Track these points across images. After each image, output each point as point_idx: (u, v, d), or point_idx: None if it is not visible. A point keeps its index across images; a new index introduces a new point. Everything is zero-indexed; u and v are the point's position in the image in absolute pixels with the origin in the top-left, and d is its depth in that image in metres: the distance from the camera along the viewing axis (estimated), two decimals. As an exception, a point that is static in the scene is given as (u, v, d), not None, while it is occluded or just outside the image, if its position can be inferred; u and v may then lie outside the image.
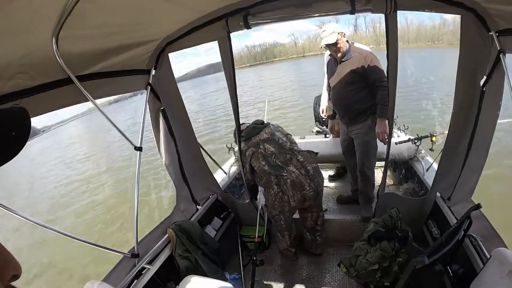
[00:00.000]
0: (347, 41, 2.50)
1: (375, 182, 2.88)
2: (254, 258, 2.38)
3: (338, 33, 2.38)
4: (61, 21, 0.99)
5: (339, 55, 2.50)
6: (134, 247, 1.83)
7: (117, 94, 1.77)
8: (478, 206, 1.56)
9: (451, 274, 1.76)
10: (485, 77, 1.63)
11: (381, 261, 1.94)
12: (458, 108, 1.85)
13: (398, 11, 1.64)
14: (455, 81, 1.78)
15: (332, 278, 2.46)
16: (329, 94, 2.96)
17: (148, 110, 2.01)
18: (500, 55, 1.47)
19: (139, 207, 1.88)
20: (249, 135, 2.44)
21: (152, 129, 2.12)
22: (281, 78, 31.67)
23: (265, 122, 2.59)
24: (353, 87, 2.51)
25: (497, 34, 1.48)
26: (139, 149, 1.87)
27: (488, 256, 1.50)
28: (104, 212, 6.76)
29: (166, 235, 2.09)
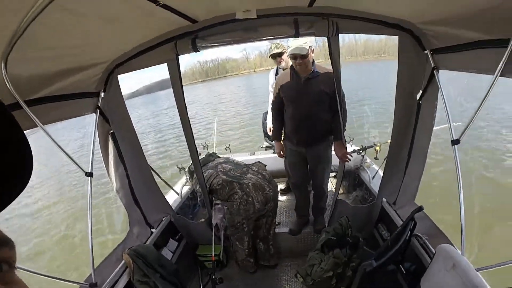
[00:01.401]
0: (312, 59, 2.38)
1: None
2: (213, 276, 2.38)
3: (310, 46, 2.21)
4: (11, 43, 0.97)
5: (304, 71, 2.32)
6: (90, 275, 1.74)
7: (67, 118, 1.70)
8: (420, 208, 1.69)
9: (404, 272, 1.87)
10: (421, 92, 1.82)
11: (335, 267, 2.04)
12: (398, 120, 2.03)
13: (340, 34, 1.81)
14: (394, 96, 1.96)
15: None
16: (277, 112, 2.69)
17: (97, 134, 1.95)
18: (434, 71, 1.66)
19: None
20: (206, 162, 2.68)
21: (100, 152, 2.06)
22: (233, 95, 31.97)
23: (215, 142, 2.72)
24: (318, 108, 2.39)
25: (431, 52, 1.67)
26: (89, 175, 1.81)
27: (434, 252, 1.61)
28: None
29: (123, 261, 2.01)
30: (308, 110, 2.41)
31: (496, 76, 1.16)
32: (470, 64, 1.39)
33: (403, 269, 1.87)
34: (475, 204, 4.45)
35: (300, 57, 2.21)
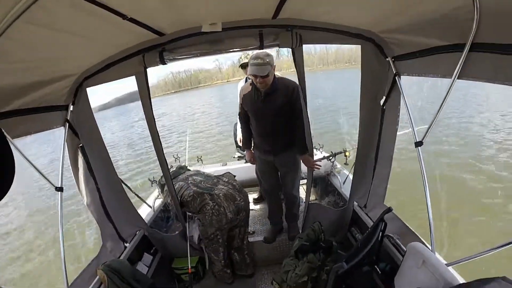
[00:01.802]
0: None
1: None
2: None
3: (271, 65, 2.15)
4: None
5: (264, 87, 2.27)
6: None
7: (36, 132, 1.65)
8: (389, 210, 1.74)
9: (379, 272, 1.92)
10: (384, 97, 1.91)
11: (310, 272, 2.07)
12: (364, 126, 2.12)
13: (304, 45, 1.88)
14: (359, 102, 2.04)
15: None
16: (244, 124, 2.73)
17: (66, 147, 1.91)
18: (396, 77, 1.75)
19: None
20: (176, 174, 2.70)
21: (70, 167, 2.01)
22: (206, 106, 31.82)
23: (187, 154, 2.72)
24: (282, 119, 2.39)
25: (393, 59, 1.76)
26: (60, 189, 1.76)
27: (405, 250, 1.65)
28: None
29: (97, 277, 1.95)
30: (271, 124, 2.42)
31: (454, 79, 1.23)
32: (429, 69, 1.46)
33: (378, 270, 1.93)
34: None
35: (260, 77, 2.16)
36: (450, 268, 1.38)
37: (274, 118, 2.38)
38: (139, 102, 2.03)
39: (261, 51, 2.15)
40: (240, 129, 2.87)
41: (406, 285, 1.53)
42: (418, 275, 1.47)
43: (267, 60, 2.11)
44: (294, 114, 2.35)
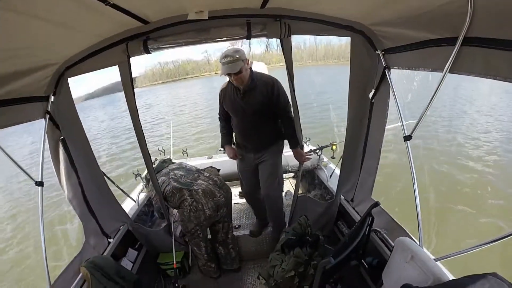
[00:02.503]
0: (250, 68, 2.27)
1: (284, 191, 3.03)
2: (176, 285, 2.32)
3: (242, 60, 2.09)
4: None
5: (241, 83, 2.21)
6: None
7: (14, 124, 1.58)
8: (376, 204, 1.74)
9: (366, 266, 1.93)
10: (373, 90, 1.89)
11: (297, 267, 2.06)
12: (352, 119, 2.10)
13: (293, 38, 1.84)
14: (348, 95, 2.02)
15: None
16: (224, 122, 2.64)
17: (47, 140, 1.84)
18: (386, 70, 1.73)
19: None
20: (159, 168, 2.64)
21: (51, 160, 1.94)
22: (195, 96, 31.46)
23: (171, 146, 2.66)
24: (262, 117, 2.35)
25: (382, 52, 1.74)
26: (40, 184, 1.71)
27: (393, 245, 1.65)
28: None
29: (80, 275, 1.90)
30: (251, 122, 2.38)
31: (445, 73, 1.22)
32: (420, 63, 1.45)
33: (365, 264, 1.94)
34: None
35: (234, 74, 2.12)
36: (438, 263, 1.38)
37: (254, 116, 2.33)
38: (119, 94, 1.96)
39: (230, 47, 2.15)
40: (220, 127, 2.74)
41: (394, 280, 1.53)
42: (406, 270, 1.47)
43: (237, 56, 2.05)
44: (278, 111, 2.33)
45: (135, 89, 2.05)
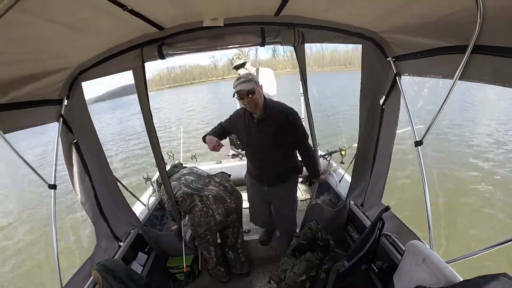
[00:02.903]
0: (264, 97, 2.17)
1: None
2: None
3: (255, 81, 2.06)
4: None
5: (255, 109, 2.10)
6: None
7: (28, 127, 1.60)
8: (387, 208, 1.75)
9: (377, 270, 1.94)
10: (384, 97, 1.91)
11: (308, 271, 2.07)
12: (363, 124, 2.11)
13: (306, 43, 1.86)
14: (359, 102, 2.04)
15: None
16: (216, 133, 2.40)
17: (60, 143, 1.87)
18: (397, 77, 1.75)
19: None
20: (171, 173, 2.65)
21: (64, 163, 1.96)
22: (201, 102, 31.64)
23: (181, 150, 2.67)
24: (277, 149, 2.23)
25: (393, 59, 1.76)
26: (53, 187, 1.73)
27: (404, 249, 1.66)
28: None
29: (92, 278, 1.92)
30: (266, 153, 2.27)
31: (455, 80, 1.24)
32: (430, 70, 1.47)
33: (375, 268, 1.95)
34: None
35: (246, 94, 2.02)
36: (449, 265, 1.38)
37: (268, 147, 2.22)
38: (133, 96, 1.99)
39: (243, 73, 2.21)
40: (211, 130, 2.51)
41: (406, 283, 1.53)
42: (417, 273, 1.47)
43: (250, 77, 2.05)
44: (295, 142, 2.25)
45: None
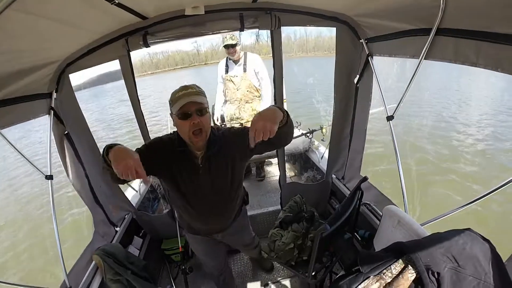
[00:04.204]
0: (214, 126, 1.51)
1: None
2: (183, 267, 2.44)
3: (207, 101, 1.36)
4: None
5: (200, 143, 1.37)
6: (64, 281, 1.74)
7: (21, 122, 1.64)
8: (365, 179, 1.88)
9: (359, 238, 2.11)
10: (358, 76, 2.05)
11: (295, 240, 2.22)
12: (339, 103, 2.25)
13: (282, 27, 1.96)
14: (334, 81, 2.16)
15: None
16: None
17: (52, 135, 1.91)
18: (369, 58, 1.89)
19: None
20: None
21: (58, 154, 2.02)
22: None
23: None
24: (234, 187, 1.60)
25: (366, 41, 1.89)
26: (49, 177, 1.79)
27: (381, 214, 1.79)
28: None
29: (93, 262, 2.01)
30: (218, 199, 1.59)
31: (421, 59, 1.38)
32: (399, 51, 1.61)
33: (358, 236, 2.11)
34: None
35: (196, 112, 1.29)
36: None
37: (222, 190, 1.57)
38: (115, 83, 2.03)
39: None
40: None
41: (384, 244, 1.68)
42: (394, 234, 1.61)
43: (202, 90, 1.37)
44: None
45: (120, 81, 2.11)
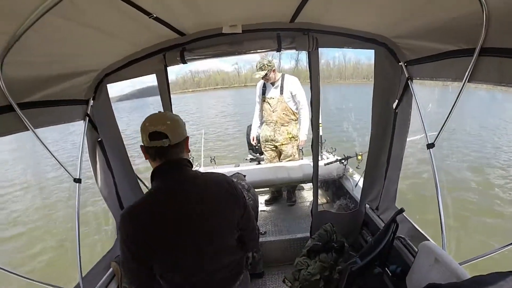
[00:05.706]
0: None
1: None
2: None
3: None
4: (8, 47, 1.01)
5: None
6: (78, 283, 1.74)
7: (56, 124, 1.70)
8: (401, 211, 1.76)
9: (390, 274, 1.93)
10: (396, 101, 1.95)
11: (322, 271, 2.09)
12: (375, 129, 2.14)
13: (320, 48, 1.93)
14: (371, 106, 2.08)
15: None
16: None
17: (85, 141, 1.98)
18: (408, 81, 1.80)
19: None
20: None
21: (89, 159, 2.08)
22: (224, 107, 31.68)
23: (202, 154, 2.66)
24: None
25: (405, 64, 1.81)
26: (78, 181, 1.82)
27: (417, 251, 1.66)
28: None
29: (111, 269, 2.01)
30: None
31: (464, 82, 1.28)
32: (440, 73, 1.52)
33: (389, 272, 1.93)
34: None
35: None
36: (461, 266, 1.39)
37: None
38: (156, 97, 2.10)
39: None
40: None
41: (418, 284, 1.54)
42: (430, 273, 1.48)
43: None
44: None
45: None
